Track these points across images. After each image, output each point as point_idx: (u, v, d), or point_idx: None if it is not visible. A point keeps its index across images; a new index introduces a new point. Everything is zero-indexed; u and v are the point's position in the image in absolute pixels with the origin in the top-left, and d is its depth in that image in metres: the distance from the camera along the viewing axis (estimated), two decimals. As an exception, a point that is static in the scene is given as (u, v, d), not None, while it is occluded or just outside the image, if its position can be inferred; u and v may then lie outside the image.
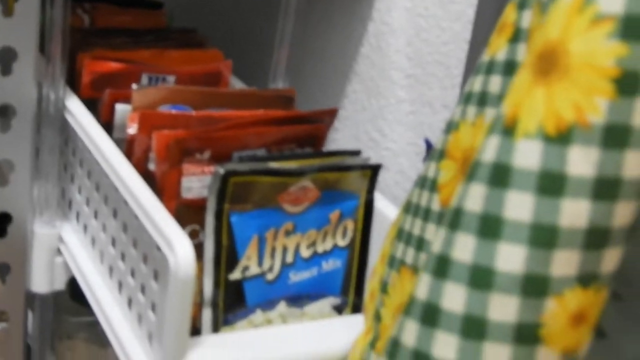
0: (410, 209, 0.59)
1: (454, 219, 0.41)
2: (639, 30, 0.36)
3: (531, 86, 0.39)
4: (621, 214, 0.38)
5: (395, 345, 0.43)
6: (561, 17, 0.38)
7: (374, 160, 0.94)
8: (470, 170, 0.41)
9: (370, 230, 0.80)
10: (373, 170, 0.78)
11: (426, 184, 0.58)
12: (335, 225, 0.77)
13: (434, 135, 0.89)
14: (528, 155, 0.38)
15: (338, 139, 1.03)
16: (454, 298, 0.40)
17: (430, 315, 0.41)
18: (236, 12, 1.23)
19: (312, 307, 0.77)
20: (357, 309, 0.80)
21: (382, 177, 0.95)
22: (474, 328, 0.40)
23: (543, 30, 0.39)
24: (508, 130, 0.39)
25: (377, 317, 0.62)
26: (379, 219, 0.81)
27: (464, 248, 0.40)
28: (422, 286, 0.42)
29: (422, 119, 0.91)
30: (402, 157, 0.93)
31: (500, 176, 0.39)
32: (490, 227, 0.39)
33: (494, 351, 0.39)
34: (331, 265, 0.78)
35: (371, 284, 0.65)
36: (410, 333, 0.42)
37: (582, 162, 0.38)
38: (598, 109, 0.37)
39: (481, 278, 0.39)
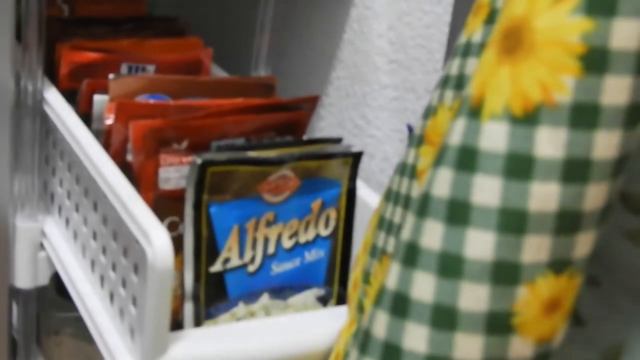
0: (390, 196, 0.58)
1: (422, 205, 0.40)
2: (605, 4, 0.35)
3: (496, 65, 0.37)
4: (593, 196, 0.37)
5: (366, 337, 0.42)
6: None
7: (359, 147, 0.93)
8: (438, 154, 0.40)
9: (353, 219, 0.78)
10: (354, 158, 0.77)
11: (406, 170, 0.57)
12: (317, 214, 0.76)
13: (417, 121, 0.87)
14: (494, 137, 0.37)
15: (323, 126, 1.02)
16: (423, 287, 0.39)
17: (400, 306, 0.40)
18: (217, 0, 1.22)
19: (296, 299, 0.76)
20: (342, 299, 0.79)
21: (367, 165, 0.93)
22: (444, 318, 0.38)
23: (508, 6, 0.38)
24: (474, 111, 0.38)
25: (361, 308, 0.61)
26: (362, 207, 0.79)
27: (432, 235, 0.39)
28: (392, 275, 0.41)
29: (406, 104, 0.89)
30: (387, 144, 0.92)
31: (467, 160, 0.38)
32: (458, 213, 0.38)
33: (466, 341, 0.38)
34: (314, 255, 0.76)
35: (354, 274, 0.64)
36: (381, 324, 0.41)
37: (550, 143, 0.36)
38: (565, 87, 0.36)
39: (450, 266, 0.38)
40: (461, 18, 0.77)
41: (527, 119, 0.36)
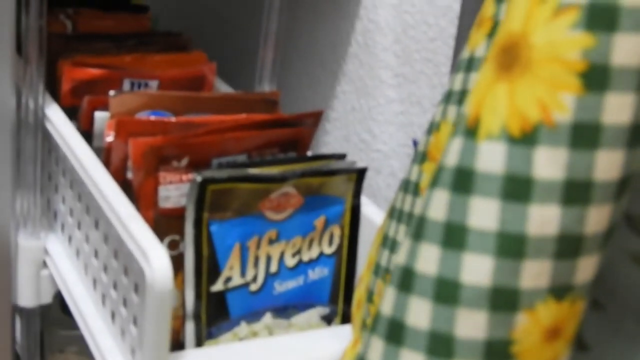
0: (394, 214, 0.57)
1: (417, 228, 0.38)
2: (606, 19, 0.33)
3: (493, 82, 0.36)
4: (594, 219, 0.35)
5: (361, 364, 0.40)
6: (522, 7, 0.35)
7: (365, 162, 0.92)
8: (433, 175, 0.38)
9: (357, 236, 0.77)
10: (359, 174, 0.75)
11: (409, 187, 0.55)
12: (321, 232, 0.75)
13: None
14: (492, 158, 0.35)
15: (328, 141, 1.00)
16: (419, 314, 0.37)
17: (395, 333, 0.38)
18: (223, 14, 1.21)
19: (300, 318, 0.75)
20: (347, 318, 0.77)
21: (374, 180, 0.92)
22: (440, 346, 0.37)
23: (506, 21, 0.36)
24: (470, 131, 0.36)
25: (365, 327, 0.59)
26: (367, 224, 0.78)
27: (428, 259, 0.37)
28: (387, 301, 0.39)
29: (412, 119, 0.88)
30: (393, 159, 0.90)
31: (464, 181, 0.36)
32: (454, 237, 0.36)
33: (463, 370, 0.36)
34: (318, 273, 0.75)
35: (357, 292, 0.62)
36: (376, 352, 0.39)
37: (549, 164, 0.35)
38: (564, 106, 0.34)
39: (446, 292, 0.36)
40: (466, 31, 0.75)
41: (525, 139, 0.35)
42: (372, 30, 0.92)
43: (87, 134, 0.81)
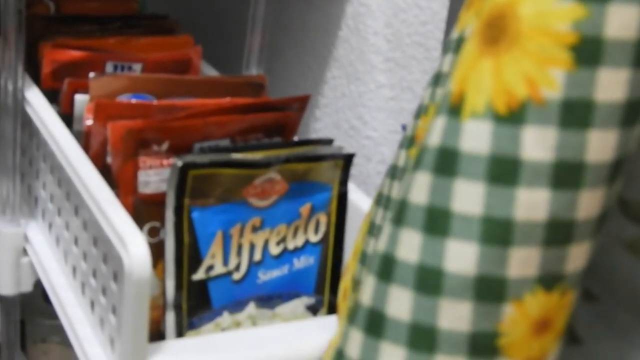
0: (381, 201, 0.55)
1: (398, 213, 0.36)
2: (598, -12, 0.31)
3: (478, 58, 0.34)
4: (586, 203, 0.33)
5: (339, 358, 0.38)
6: None
7: (355, 149, 0.90)
8: (416, 157, 0.36)
9: (344, 224, 0.75)
10: (346, 160, 0.73)
11: (397, 173, 0.53)
12: (307, 219, 0.72)
13: (415, 122, 0.84)
14: (477, 137, 0.33)
15: (319, 128, 0.98)
16: (400, 304, 0.35)
17: (375, 324, 0.36)
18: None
19: (284, 308, 0.73)
20: (333, 308, 0.75)
21: (364, 167, 0.90)
22: (422, 338, 0.34)
23: (491, -7, 0.34)
24: (454, 109, 0.34)
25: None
26: (354, 211, 0.76)
27: (410, 246, 0.35)
28: (366, 290, 0.37)
29: (403, 104, 0.86)
30: (384, 146, 0.88)
31: (447, 163, 0.34)
32: (437, 222, 0.34)
33: (445, 364, 0.34)
34: (303, 262, 0.73)
35: (343, 282, 0.60)
36: (355, 344, 0.37)
37: (538, 144, 0.32)
38: (554, 82, 0.32)
39: (429, 281, 0.34)
40: (458, 13, 0.73)
41: (512, 117, 0.32)
42: (363, 13, 0.89)
43: (68, 117, 0.79)
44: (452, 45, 0.48)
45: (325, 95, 0.97)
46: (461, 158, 0.33)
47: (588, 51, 0.31)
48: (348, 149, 0.75)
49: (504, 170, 0.32)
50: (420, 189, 0.35)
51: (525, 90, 0.32)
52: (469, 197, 0.33)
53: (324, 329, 0.68)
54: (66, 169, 0.72)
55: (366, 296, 0.37)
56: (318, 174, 0.72)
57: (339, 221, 0.74)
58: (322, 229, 0.74)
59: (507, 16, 0.32)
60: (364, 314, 0.37)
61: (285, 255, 0.72)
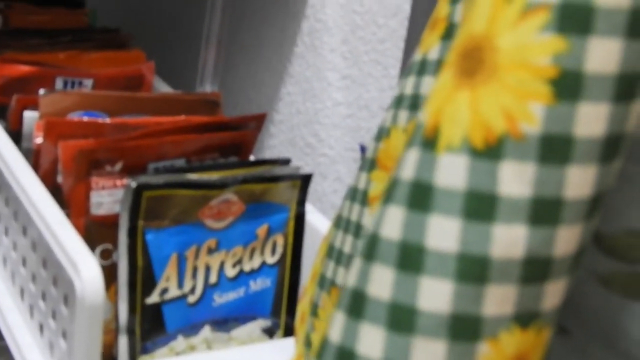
0: (340, 223, 0.54)
1: (369, 248, 0.35)
2: (579, 21, 0.30)
3: (453, 90, 0.32)
4: (564, 240, 0.32)
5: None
6: (487, 7, 0.32)
7: (310, 167, 0.88)
8: (387, 190, 0.35)
9: (301, 246, 0.74)
10: (303, 180, 0.72)
11: (357, 196, 0.52)
12: (264, 240, 0.71)
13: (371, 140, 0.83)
14: (452, 172, 0.32)
15: (273, 145, 0.97)
16: (371, 343, 0.34)
17: (344, 362, 0.35)
18: (164, 11, 1.16)
19: (240, 331, 0.71)
20: (289, 331, 0.74)
21: (319, 185, 0.89)
22: (394, 378, 0.33)
23: (467, 22, 0.33)
24: (428, 142, 0.33)
25: (308, 343, 0.56)
26: (311, 233, 0.75)
27: (382, 283, 0.34)
28: (336, 327, 0.36)
29: (359, 122, 0.85)
30: (340, 164, 0.87)
31: (421, 197, 0.33)
32: (410, 259, 0.33)
33: (418, 406, 0.33)
34: (260, 284, 0.72)
35: (301, 305, 0.59)
36: (322, 382, 0.36)
37: (515, 180, 0.31)
38: (533, 116, 0.31)
39: (402, 319, 0.33)
40: (417, 32, 0.72)
41: (489, 152, 0.31)
42: (320, 30, 0.88)
43: (16, 134, 0.77)
44: (416, 68, 0.47)
45: (280, 111, 0.95)
46: (436, 193, 0.32)
47: (568, 85, 0.30)
48: (303, 167, 0.74)
49: (480, 206, 0.31)
50: (392, 223, 0.34)
51: (504, 124, 0.31)
52: (444, 233, 0.32)
53: (281, 352, 0.67)
54: (14, 188, 0.70)
55: (335, 333, 0.36)
56: (275, 194, 0.71)
57: (296, 242, 0.73)
58: (279, 250, 0.72)
59: (484, 48, 0.31)
60: (333, 352, 0.35)
61: (242, 277, 0.71)
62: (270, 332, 0.73)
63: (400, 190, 0.34)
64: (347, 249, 0.52)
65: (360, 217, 0.51)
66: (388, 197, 0.34)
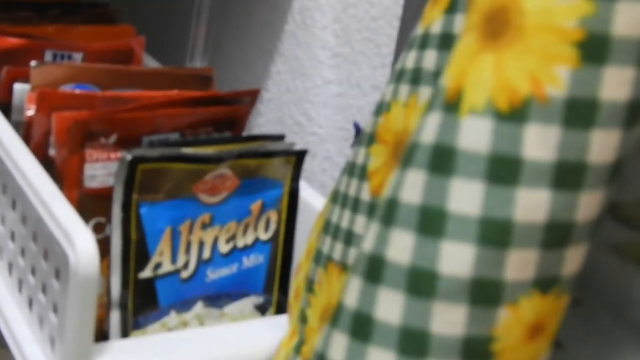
0: (337, 198, 0.53)
1: (388, 212, 0.34)
2: (609, -17, 0.30)
3: (477, 53, 0.32)
4: (586, 205, 0.32)
5: (320, 362, 0.37)
6: None
7: (299, 146, 0.88)
8: (406, 154, 0.35)
9: (295, 222, 0.74)
10: (298, 156, 0.72)
11: (355, 171, 0.52)
12: (257, 216, 0.71)
13: (363, 119, 0.83)
14: (476, 135, 0.32)
15: (261, 123, 0.96)
16: (390, 307, 0.34)
17: (362, 328, 0.35)
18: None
19: (232, 307, 0.71)
20: (281, 308, 0.74)
21: (308, 164, 0.89)
22: (413, 343, 0.33)
23: (493, -15, 0.33)
24: (451, 105, 0.33)
25: (303, 319, 0.56)
26: (305, 209, 0.75)
27: (401, 247, 0.34)
28: (352, 292, 0.35)
29: (350, 101, 0.84)
30: (330, 143, 0.87)
31: (443, 161, 0.33)
32: (431, 222, 0.33)
33: (437, 370, 0.33)
34: (253, 260, 0.71)
35: (296, 281, 0.59)
36: (339, 348, 0.36)
37: (540, 143, 0.31)
38: (558, 79, 0.31)
39: (422, 283, 0.33)
40: (413, 10, 0.72)
41: (513, 115, 0.31)
42: (311, 7, 0.88)
43: (5, 107, 0.76)
44: (417, 42, 0.47)
45: (269, 90, 0.95)
46: (458, 156, 0.32)
47: (594, 48, 0.30)
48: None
49: (503, 170, 0.31)
50: (412, 187, 0.33)
51: (529, 87, 0.31)
52: (466, 196, 0.32)
53: (273, 329, 0.66)
54: (4, 160, 0.69)
55: (351, 298, 0.35)
56: (269, 170, 0.71)
57: (289, 219, 0.73)
58: (273, 226, 0.72)
59: (509, 10, 0.31)
60: (349, 317, 0.35)
61: (235, 253, 0.70)
62: (262, 309, 0.73)
63: (421, 154, 0.33)
64: (344, 224, 0.52)
65: (358, 191, 0.51)
66: (407, 161, 0.34)
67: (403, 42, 0.76)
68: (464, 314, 0.32)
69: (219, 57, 1.00)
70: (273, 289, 0.73)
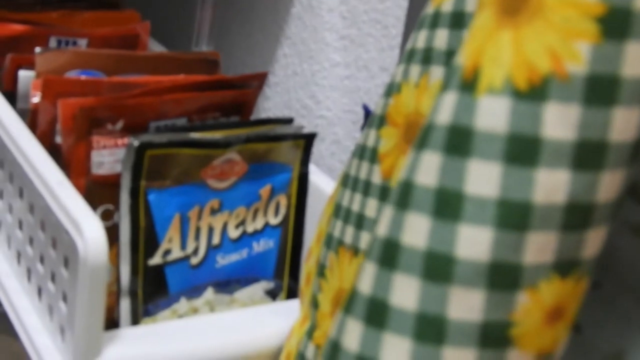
0: (348, 182, 0.53)
1: (403, 196, 0.34)
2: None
3: (495, 29, 0.31)
4: (607, 186, 0.31)
5: (335, 350, 0.36)
6: None
7: (307, 129, 0.87)
8: (421, 136, 0.34)
9: (305, 207, 0.73)
10: (307, 140, 0.71)
11: (365, 153, 0.51)
12: (267, 201, 0.70)
13: (371, 102, 0.82)
14: (494, 114, 0.31)
15: (268, 107, 0.95)
16: (406, 293, 0.33)
17: (377, 314, 0.34)
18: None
19: (243, 293, 0.70)
20: (292, 293, 0.73)
21: (316, 148, 0.88)
22: (430, 329, 0.32)
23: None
24: (467, 84, 0.32)
25: (315, 304, 0.56)
26: (315, 193, 0.74)
27: (417, 231, 0.33)
28: (366, 278, 0.35)
29: (358, 83, 0.83)
30: (338, 126, 0.86)
31: (460, 142, 0.32)
32: (448, 206, 0.32)
33: (456, 357, 0.32)
34: (263, 246, 0.71)
35: (307, 266, 0.58)
36: (353, 335, 0.35)
37: (560, 122, 0.30)
38: (579, 56, 0.30)
39: (438, 268, 0.32)
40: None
41: (533, 93, 0.30)
42: (317, -11, 0.87)
43: (11, 94, 0.75)
44: (428, 21, 0.46)
45: (276, 73, 0.94)
46: (476, 137, 0.31)
47: (616, 23, 0.29)
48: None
49: (522, 150, 0.31)
50: (428, 169, 0.33)
51: (548, 64, 0.30)
52: (483, 178, 0.31)
53: (284, 314, 0.66)
54: (10, 149, 0.68)
55: (365, 284, 0.35)
56: (278, 154, 0.70)
57: (299, 203, 0.72)
58: (282, 211, 0.71)
59: (528, -15, 0.30)
60: (364, 303, 0.35)
61: (245, 238, 0.70)
62: (273, 294, 0.72)
63: (436, 135, 0.33)
64: (355, 207, 0.51)
65: (369, 174, 0.50)
66: (422, 142, 0.33)
67: (411, 23, 0.75)
68: (482, 299, 0.32)
69: (225, 41, 1.00)
70: (284, 274, 0.73)
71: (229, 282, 0.70)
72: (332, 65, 0.87)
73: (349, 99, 0.85)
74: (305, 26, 0.89)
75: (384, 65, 0.81)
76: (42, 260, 0.65)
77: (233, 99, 0.72)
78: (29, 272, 0.68)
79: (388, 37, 0.80)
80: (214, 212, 0.67)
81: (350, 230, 0.51)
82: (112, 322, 0.67)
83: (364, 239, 0.49)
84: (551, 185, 0.31)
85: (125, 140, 0.66)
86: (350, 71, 0.85)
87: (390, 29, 0.79)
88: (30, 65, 0.74)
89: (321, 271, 0.55)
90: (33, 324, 0.65)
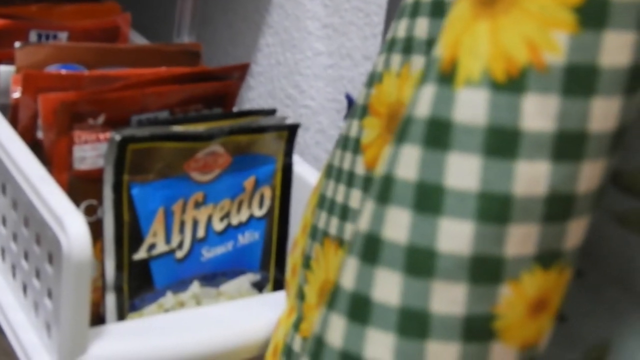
0: (331, 173, 0.53)
1: (383, 190, 0.33)
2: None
3: (472, 20, 0.31)
4: (587, 176, 0.31)
5: (319, 346, 0.36)
6: None
7: (291, 119, 0.87)
8: (400, 129, 0.33)
9: (289, 198, 0.73)
10: (290, 131, 0.71)
11: (348, 144, 0.51)
12: (251, 193, 0.70)
13: (355, 90, 0.82)
14: (472, 107, 0.31)
15: (252, 97, 0.95)
16: (388, 288, 0.33)
17: (360, 310, 0.34)
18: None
19: (229, 286, 0.70)
20: (279, 284, 0.73)
21: (301, 138, 0.87)
22: (413, 324, 0.32)
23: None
24: (445, 76, 0.32)
25: (301, 295, 0.55)
26: (299, 184, 0.74)
27: (398, 225, 0.32)
28: (349, 273, 0.34)
29: (342, 72, 0.83)
30: (322, 115, 0.86)
31: (439, 135, 0.31)
32: (428, 199, 0.32)
33: (439, 351, 0.32)
34: (248, 238, 0.70)
35: (292, 258, 0.58)
36: (337, 331, 0.35)
37: (538, 114, 0.30)
38: (557, 46, 0.30)
39: (420, 262, 0.32)
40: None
41: (511, 85, 0.30)
42: (299, -23, 0.86)
43: (-9, 90, 0.74)
44: (408, 10, 0.46)
45: (259, 63, 0.94)
46: (455, 129, 0.31)
47: (594, 13, 0.29)
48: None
49: (502, 142, 0.30)
50: (408, 163, 0.32)
51: (526, 55, 0.30)
52: (463, 171, 0.31)
53: (271, 306, 0.66)
54: (-9, 145, 0.68)
55: (348, 280, 0.34)
56: (262, 145, 0.69)
57: (283, 194, 0.72)
58: (267, 203, 0.71)
59: (504, -25, 0.30)
60: (347, 298, 0.34)
61: (230, 231, 0.69)
62: (259, 286, 0.72)
63: (416, 129, 0.32)
64: (339, 198, 0.51)
65: (352, 165, 0.50)
66: (401, 136, 0.33)
67: (393, 11, 0.75)
68: (464, 293, 0.31)
69: (207, 31, 0.99)
70: (270, 266, 0.73)
71: (215, 275, 0.70)
72: (315, 54, 0.86)
73: (332, 88, 0.85)
74: (287, 15, 0.89)
75: (367, 53, 0.80)
76: (26, 256, 0.64)
77: (215, 90, 0.72)
78: (13, 268, 0.67)
79: (370, 25, 0.79)
80: (198, 205, 0.67)
81: (334, 222, 0.51)
82: (98, 318, 0.67)
83: (349, 230, 0.49)
84: (531, 176, 0.30)
85: (107, 134, 0.65)
86: (333, 60, 0.84)
87: (373, 16, 0.79)
88: (9, 60, 0.74)
89: (307, 263, 0.55)
90: (19, 320, 0.65)
